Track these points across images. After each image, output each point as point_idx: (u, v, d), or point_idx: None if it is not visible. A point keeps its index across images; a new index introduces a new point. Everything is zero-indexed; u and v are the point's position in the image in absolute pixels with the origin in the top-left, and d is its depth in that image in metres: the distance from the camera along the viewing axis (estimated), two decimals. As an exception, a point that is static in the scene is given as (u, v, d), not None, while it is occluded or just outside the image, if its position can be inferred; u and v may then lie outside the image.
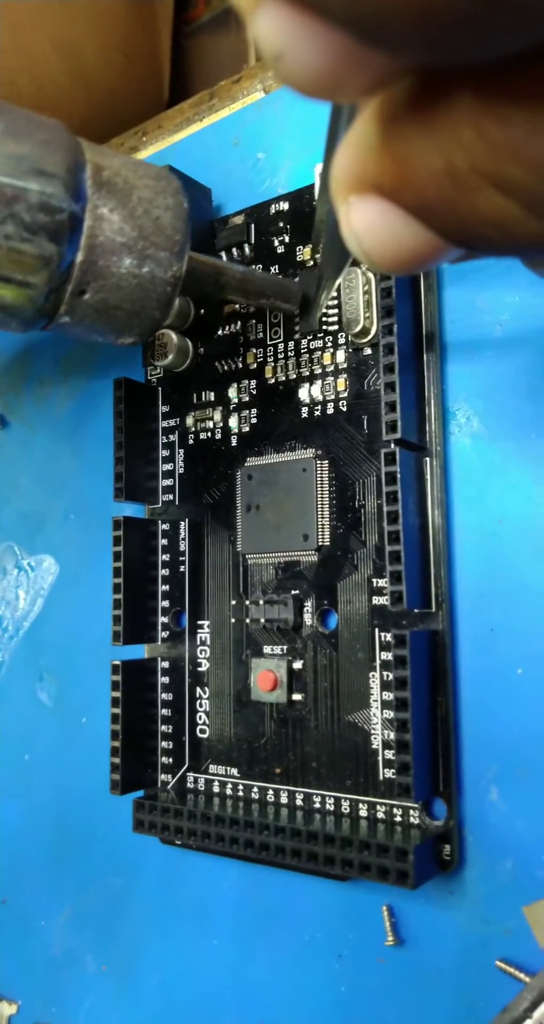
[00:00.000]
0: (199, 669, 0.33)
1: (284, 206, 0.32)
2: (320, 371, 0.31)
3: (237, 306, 0.33)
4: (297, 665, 0.30)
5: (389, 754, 0.28)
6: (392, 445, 0.26)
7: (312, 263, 0.31)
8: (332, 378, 0.30)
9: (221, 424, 0.33)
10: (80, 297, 0.25)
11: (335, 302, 0.30)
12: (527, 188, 0.11)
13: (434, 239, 0.13)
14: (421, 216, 0.13)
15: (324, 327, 0.30)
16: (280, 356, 0.32)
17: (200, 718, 0.33)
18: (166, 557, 0.34)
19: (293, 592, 0.30)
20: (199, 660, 0.33)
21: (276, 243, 0.32)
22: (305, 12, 0.10)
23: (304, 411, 0.31)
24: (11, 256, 0.23)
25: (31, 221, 0.23)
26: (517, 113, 0.11)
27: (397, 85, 0.12)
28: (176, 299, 0.26)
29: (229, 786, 0.31)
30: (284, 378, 0.32)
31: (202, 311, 0.34)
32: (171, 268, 0.25)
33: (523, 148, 0.11)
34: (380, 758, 0.28)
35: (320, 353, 0.31)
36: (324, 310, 0.30)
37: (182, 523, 0.34)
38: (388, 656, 0.28)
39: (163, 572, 0.34)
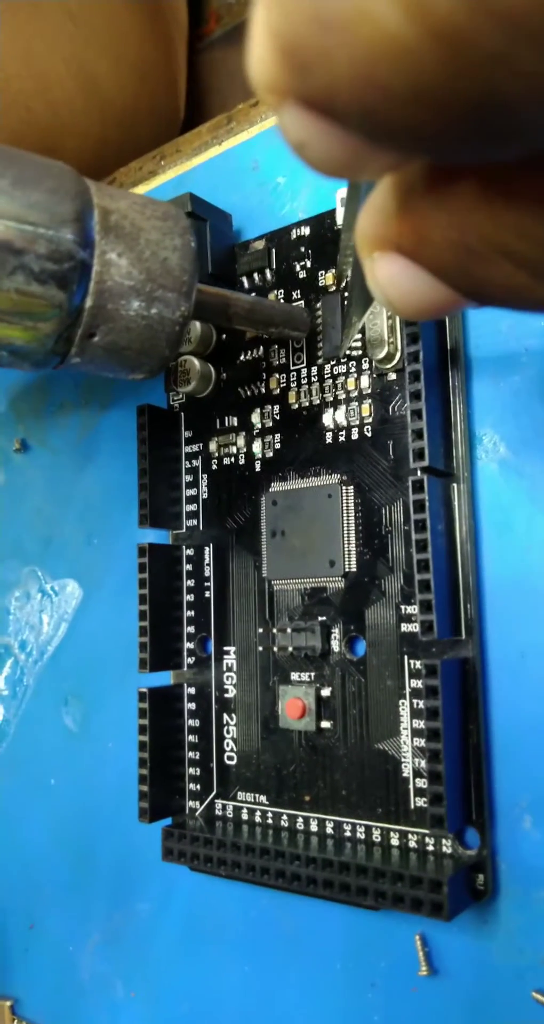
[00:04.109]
0: (226, 695, 0.33)
1: (305, 231, 0.32)
2: (344, 396, 0.30)
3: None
4: (325, 692, 0.30)
5: (420, 783, 0.27)
6: (419, 473, 0.26)
7: (334, 288, 0.31)
8: (356, 403, 0.30)
9: (245, 449, 0.33)
10: (90, 340, 0.25)
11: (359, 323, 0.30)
12: (535, 261, 0.12)
13: (452, 294, 0.14)
14: (439, 276, 0.14)
15: (348, 351, 0.30)
16: (303, 381, 0.32)
17: (227, 744, 0.33)
18: (191, 583, 0.34)
19: (320, 619, 0.30)
20: (226, 686, 0.33)
21: (298, 268, 0.32)
22: (322, 116, 0.11)
23: (328, 436, 0.31)
24: (21, 304, 0.23)
25: (40, 270, 0.23)
26: (521, 199, 0.12)
27: (412, 163, 0.13)
28: (185, 336, 0.27)
29: (258, 813, 0.31)
30: (308, 403, 0.31)
31: (224, 336, 0.34)
32: (179, 308, 0.26)
33: (529, 228, 0.12)
34: (411, 786, 0.28)
35: (344, 378, 0.31)
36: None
37: (207, 548, 0.34)
38: (418, 684, 0.28)
39: (188, 598, 0.34)
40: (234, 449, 0.34)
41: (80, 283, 0.24)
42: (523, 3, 0.09)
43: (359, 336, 0.30)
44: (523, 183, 0.12)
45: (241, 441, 0.33)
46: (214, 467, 0.34)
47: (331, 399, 0.31)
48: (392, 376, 0.29)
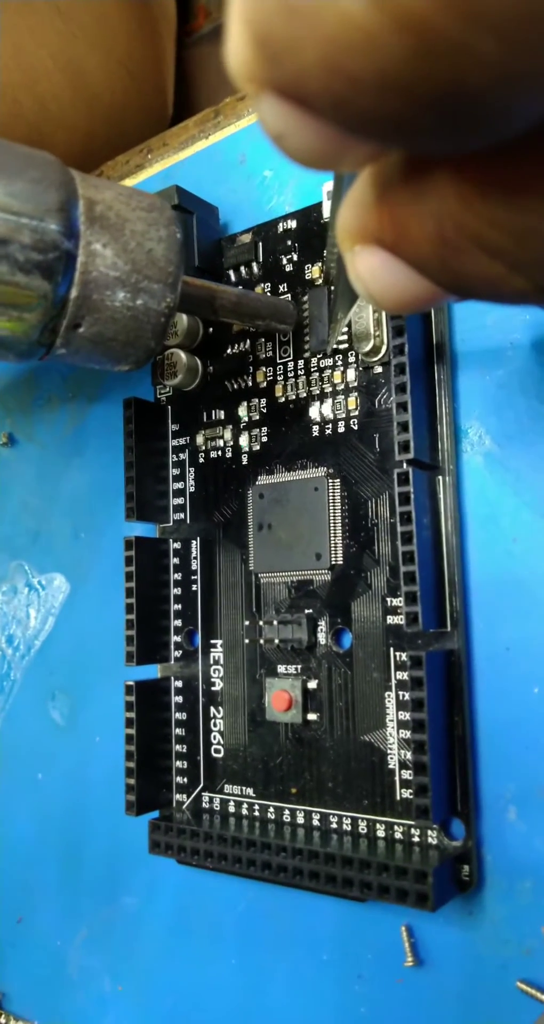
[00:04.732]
0: (213, 688, 0.33)
1: (292, 224, 0.32)
2: (330, 389, 0.31)
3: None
4: (312, 685, 0.30)
5: (406, 774, 0.28)
6: (405, 465, 0.26)
7: (321, 281, 0.31)
8: (343, 396, 0.30)
9: (231, 443, 0.33)
10: (75, 330, 0.25)
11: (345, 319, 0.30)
12: (509, 252, 0.12)
13: (432, 287, 0.14)
14: (418, 268, 0.14)
15: (334, 345, 0.30)
16: (290, 374, 0.32)
17: (214, 737, 0.33)
18: (178, 576, 0.34)
19: (306, 611, 0.30)
20: (212, 679, 0.33)
21: (284, 261, 0.32)
22: (297, 106, 0.11)
23: (315, 429, 0.31)
24: (6, 294, 0.23)
25: (25, 260, 0.23)
26: (494, 190, 0.12)
27: (389, 154, 0.13)
28: (171, 327, 0.27)
29: (245, 806, 0.31)
30: (294, 396, 0.32)
31: (211, 330, 0.34)
32: (165, 299, 0.26)
33: (501, 218, 0.12)
34: (397, 778, 0.28)
35: (330, 371, 0.31)
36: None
37: (193, 542, 0.34)
38: (403, 676, 0.28)
39: (175, 591, 0.34)
40: (221, 442, 0.34)
41: (65, 273, 0.24)
42: None
43: (346, 329, 0.30)
44: (494, 173, 0.12)
45: (228, 434, 0.33)
46: (201, 460, 0.34)
47: (317, 392, 0.31)
48: (378, 369, 0.29)
